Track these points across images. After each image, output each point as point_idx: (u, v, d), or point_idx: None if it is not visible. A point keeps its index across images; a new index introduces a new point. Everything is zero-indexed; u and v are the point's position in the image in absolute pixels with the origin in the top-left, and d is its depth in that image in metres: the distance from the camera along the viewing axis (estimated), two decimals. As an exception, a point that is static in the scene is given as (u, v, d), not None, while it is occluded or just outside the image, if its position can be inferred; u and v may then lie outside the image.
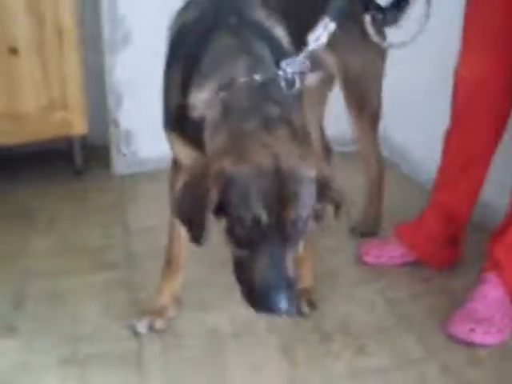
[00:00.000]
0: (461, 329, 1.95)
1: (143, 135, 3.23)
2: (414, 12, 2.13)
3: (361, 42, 2.15)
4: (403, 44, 2.05)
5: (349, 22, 1.93)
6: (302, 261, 2.05)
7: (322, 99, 2.53)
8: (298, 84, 1.63)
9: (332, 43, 1.78)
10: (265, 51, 1.67)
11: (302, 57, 1.68)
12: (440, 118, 2.22)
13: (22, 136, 3.07)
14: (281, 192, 1.37)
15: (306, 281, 2.12)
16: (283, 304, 1.36)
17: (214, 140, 1.54)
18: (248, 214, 1.36)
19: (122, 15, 3.06)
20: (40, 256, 2.47)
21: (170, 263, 2.02)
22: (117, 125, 3.23)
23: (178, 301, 2.06)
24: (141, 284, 2.24)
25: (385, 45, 2.13)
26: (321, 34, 1.72)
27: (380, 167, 2.53)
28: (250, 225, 1.37)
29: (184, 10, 1.86)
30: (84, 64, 3.07)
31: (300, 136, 1.56)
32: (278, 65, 1.64)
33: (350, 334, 2.00)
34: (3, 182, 3.11)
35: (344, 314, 2.10)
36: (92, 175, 3.25)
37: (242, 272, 1.42)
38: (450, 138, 2.22)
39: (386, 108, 2.44)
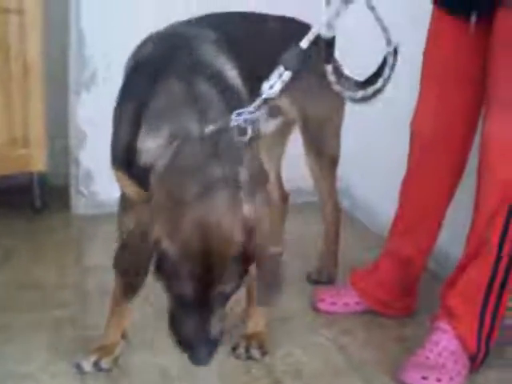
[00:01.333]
0: (413, 376, 1.94)
1: (104, 176, 3.21)
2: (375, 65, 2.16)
3: (320, 88, 2.16)
4: (364, 99, 2.07)
5: (307, 70, 1.94)
6: (251, 305, 2.05)
7: (279, 145, 2.53)
8: (249, 132, 1.65)
9: (290, 90, 1.80)
10: (217, 97, 1.68)
11: (255, 105, 1.68)
12: (400, 167, 2.26)
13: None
14: (206, 272, 1.47)
15: (256, 325, 2.09)
16: (203, 360, 1.55)
17: (156, 193, 1.55)
18: (175, 287, 1.52)
19: (90, 55, 3.08)
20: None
21: (117, 300, 1.98)
22: (78, 164, 3.22)
23: (125, 339, 2.02)
24: (91, 322, 2.20)
25: (346, 96, 2.15)
26: (275, 83, 1.72)
27: (337, 214, 2.54)
28: (178, 295, 1.53)
29: (140, 46, 1.86)
30: (48, 102, 3.07)
31: (244, 192, 1.57)
32: (230, 112, 1.65)
33: (302, 379, 1.98)
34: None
35: (296, 360, 2.07)
36: (51, 214, 3.22)
37: (172, 323, 1.59)
38: (406, 188, 2.25)
39: (346, 158, 2.48)
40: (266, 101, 1.71)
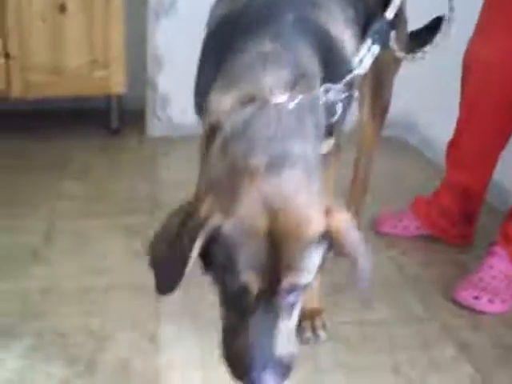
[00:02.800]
0: (465, 295, 2.01)
1: (179, 101, 3.33)
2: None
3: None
4: (425, 54, 2.03)
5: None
6: None
7: None
8: (337, 112, 1.47)
9: None
10: (311, 65, 1.45)
11: (345, 82, 1.49)
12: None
13: (62, 90, 3.20)
14: (274, 257, 1.16)
15: (312, 301, 1.84)
16: None
17: (212, 165, 1.31)
18: (234, 280, 1.18)
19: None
20: (71, 199, 2.61)
21: None
22: (154, 89, 3.34)
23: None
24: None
25: (409, 59, 2.11)
26: (364, 56, 1.61)
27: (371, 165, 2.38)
28: (237, 291, 1.19)
29: None
30: (128, 26, 3.19)
31: (316, 176, 1.29)
32: (324, 82, 1.45)
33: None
34: (42, 133, 3.26)
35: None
36: (127, 135, 3.38)
37: (227, 336, 1.25)
38: (464, 121, 2.25)
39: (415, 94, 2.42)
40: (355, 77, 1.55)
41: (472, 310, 1.99)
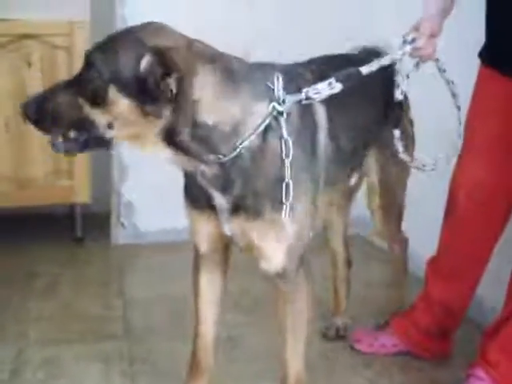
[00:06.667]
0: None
1: (144, 208, 3.31)
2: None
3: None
4: (433, 168, 2.05)
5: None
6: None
7: (348, 201, 2.45)
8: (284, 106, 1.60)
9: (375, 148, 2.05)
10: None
11: (293, 99, 1.63)
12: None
13: (26, 199, 3.16)
14: None
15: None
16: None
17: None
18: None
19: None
20: (39, 322, 2.52)
21: (193, 367, 1.94)
22: (119, 195, 3.32)
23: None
24: (139, 356, 2.30)
25: (413, 165, 2.12)
26: (323, 90, 1.69)
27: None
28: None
29: None
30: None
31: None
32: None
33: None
34: (4, 243, 3.17)
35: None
36: (92, 243, 3.32)
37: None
38: (448, 236, 2.28)
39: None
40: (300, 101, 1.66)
41: None
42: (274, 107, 1.58)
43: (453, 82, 2.04)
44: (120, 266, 3.12)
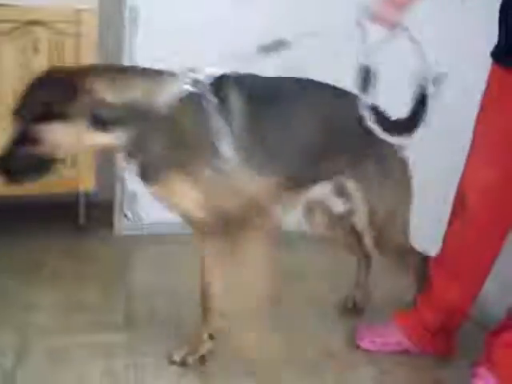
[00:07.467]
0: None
1: (148, 198, 3.28)
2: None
3: (386, 176, 2.21)
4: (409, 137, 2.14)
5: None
6: None
7: None
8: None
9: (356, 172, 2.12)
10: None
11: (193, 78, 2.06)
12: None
13: (30, 188, 3.12)
14: None
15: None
16: None
17: None
18: None
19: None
20: (43, 311, 2.51)
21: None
22: (123, 185, 3.30)
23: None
24: (142, 347, 2.30)
25: (393, 141, 2.16)
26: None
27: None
28: None
29: None
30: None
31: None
32: None
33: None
34: (8, 232, 3.16)
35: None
36: (95, 232, 3.31)
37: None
38: (453, 236, 2.28)
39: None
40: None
41: None
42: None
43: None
44: (123, 256, 3.10)
